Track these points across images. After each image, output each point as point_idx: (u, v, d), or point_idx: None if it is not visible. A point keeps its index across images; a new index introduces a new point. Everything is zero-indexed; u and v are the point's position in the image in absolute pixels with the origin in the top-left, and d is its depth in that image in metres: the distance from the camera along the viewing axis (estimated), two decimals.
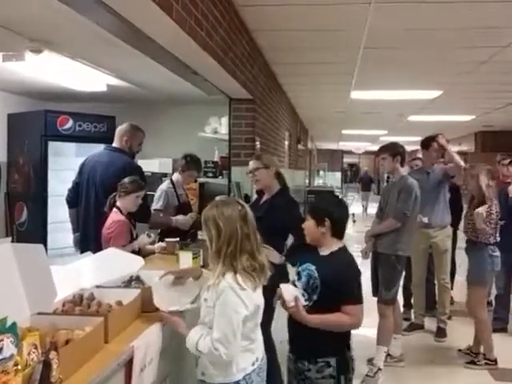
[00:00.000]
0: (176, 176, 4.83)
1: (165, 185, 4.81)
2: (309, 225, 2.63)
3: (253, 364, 2.25)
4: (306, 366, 2.58)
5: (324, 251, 2.64)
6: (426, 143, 5.18)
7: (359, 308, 2.54)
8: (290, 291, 2.55)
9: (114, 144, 4.30)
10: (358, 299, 2.55)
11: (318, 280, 2.54)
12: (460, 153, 16.06)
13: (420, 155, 5.95)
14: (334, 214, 2.61)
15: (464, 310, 5.84)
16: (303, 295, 2.57)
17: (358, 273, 2.62)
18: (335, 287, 2.50)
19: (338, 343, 2.58)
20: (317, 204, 2.72)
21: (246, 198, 4.26)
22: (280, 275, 3.40)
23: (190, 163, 4.76)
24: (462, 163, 4.96)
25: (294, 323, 2.62)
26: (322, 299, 2.53)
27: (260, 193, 3.76)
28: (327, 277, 2.53)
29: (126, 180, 3.74)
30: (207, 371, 2.23)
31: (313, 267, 2.59)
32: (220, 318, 2.10)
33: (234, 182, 5.07)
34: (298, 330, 2.63)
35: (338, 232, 2.64)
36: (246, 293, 2.14)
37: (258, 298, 2.24)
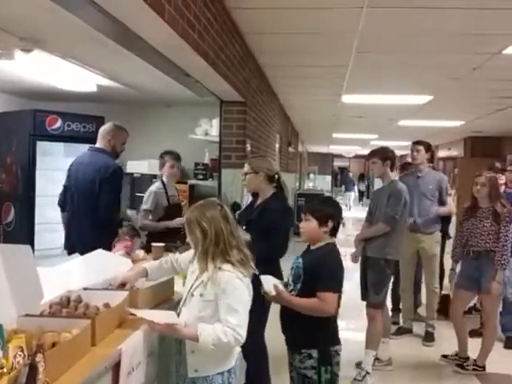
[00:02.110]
0: (165, 177, 4.83)
1: (155, 186, 4.79)
2: (310, 225, 2.79)
3: (239, 348, 2.36)
4: (292, 356, 2.78)
5: (315, 246, 2.84)
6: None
7: (332, 296, 2.66)
8: (268, 281, 2.72)
9: (97, 144, 4.26)
10: (332, 287, 2.67)
11: (301, 269, 2.74)
12: (449, 158, 16.22)
13: (409, 159, 6.01)
14: (335, 215, 2.82)
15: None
16: (289, 285, 2.79)
17: (336, 263, 2.77)
18: (313, 274, 2.69)
19: (321, 335, 2.72)
20: (320, 206, 2.87)
21: (235, 206, 4.26)
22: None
23: (164, 155, 4.78)
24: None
25: (283, 315, 2.82)
26: (304, 287, 2.71)
27: (255, 196, 3.75)
28: (307, 265, 2.74)
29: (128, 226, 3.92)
30: (202, 366, 2.24)
31: (300, 260, 2.80)
32: (233, 305, 2.17)
33: (223, 192, 5.10)
34: (286, 322, 2.83)
35: (335, 231, 2.84)
36: (247, 280, 2.26)
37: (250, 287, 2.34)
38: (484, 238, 4.27)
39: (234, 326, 2.13)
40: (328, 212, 2.80)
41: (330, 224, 2.77)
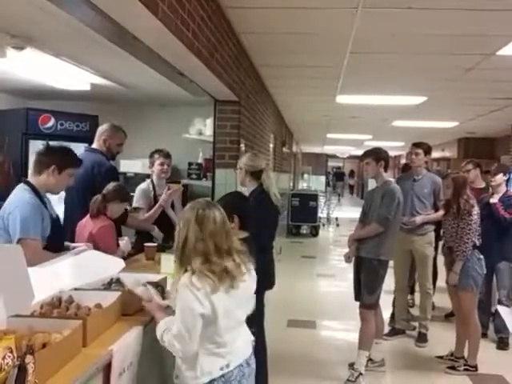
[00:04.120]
0: (155, 175, 4.76)
1: (144, 184, 4.75)
2: None
3: (221, 369, 2.16)
4: None
5: None
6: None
7: None
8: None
9: (94, 144, 4.24)
10: None
11: None
12: (443, 159, 16.26)
13: (404, 161, 6.03)
14: (240, 209, 2.93)
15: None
16: None
17: None
18: None
19: None
20: (224, 202, 2.82)
21: None
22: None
23: (153, 154, 4.71)
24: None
25: None
26: None
27: None
28: None
29: (111, 187, 3.70)
30: (180, 374, 2.22)
31: None
32: (177, 315, 2.13)
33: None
34: None
35: (244, 224, 2.92)
36: (201, 292, 2.07)
37: (223, 301, 2.13)
38: (449, 234, 4.46)
39: (172, 335, 2.12)
40: (231, 207, 2.77)
41: (236, 219, 2.84)
